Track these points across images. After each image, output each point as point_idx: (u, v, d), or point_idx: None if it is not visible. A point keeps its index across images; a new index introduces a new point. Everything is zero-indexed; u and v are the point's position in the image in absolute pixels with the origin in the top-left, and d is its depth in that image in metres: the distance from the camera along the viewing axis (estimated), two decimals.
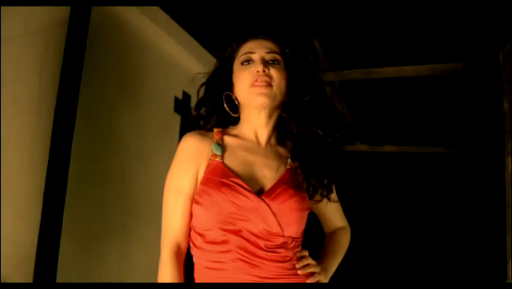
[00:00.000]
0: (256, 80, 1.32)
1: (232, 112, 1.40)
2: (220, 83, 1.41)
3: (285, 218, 1.27)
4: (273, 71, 1.34)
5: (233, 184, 1.27)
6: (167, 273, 1.28)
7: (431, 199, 5.44)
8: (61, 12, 2.66)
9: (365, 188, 5.54)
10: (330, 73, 4.00)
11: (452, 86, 4.13)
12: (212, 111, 1.41)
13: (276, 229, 1.26)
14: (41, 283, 2.30)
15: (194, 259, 1.32)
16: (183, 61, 3.61)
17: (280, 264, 1.27)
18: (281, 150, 1.40)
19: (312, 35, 3.55)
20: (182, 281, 1.31)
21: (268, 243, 1.26)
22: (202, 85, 1.43)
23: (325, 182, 1.36)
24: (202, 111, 1.41)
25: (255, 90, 1.32)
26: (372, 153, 5.64)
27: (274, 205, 1.27)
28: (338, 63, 3.94)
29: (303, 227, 1.33)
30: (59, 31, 2.63)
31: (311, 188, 1.35)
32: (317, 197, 1.37)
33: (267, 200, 1.27)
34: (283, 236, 1.28)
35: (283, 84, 1.35)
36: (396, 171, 5.65)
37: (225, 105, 1.39)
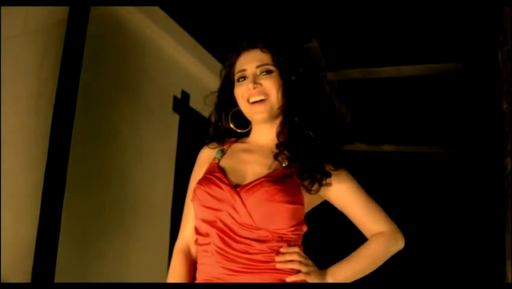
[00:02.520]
0: (250, 97, 1.37)
1: (242, 125, 1.46)
2: (226, 102, 1.46)
3: (257, 209, 1.27)
4: (266, 84, 1.38)
5: (212, 177, 1.33)
6: (174, 271, 1.38)
7: (430, 199, 5.44)
8: (59, 12, 2.65)
9: (364, 187, 5.54)
10: (330, 72, 4.00)
11: (451, 86, 4.13)
12: (225, 129, 1.48)
13: (247, 219, 1.27)
14: (40, 282, 2.29)
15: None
16: (182, 60, 3.61)
17: (250, 256, 1.26)
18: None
19: (312, 34, 3.55)
20: (190, 280, 1.37)
21: (241, 234, 1.27)
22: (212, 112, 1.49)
23: (318, 176, 1.33)
24: (216, 130, 1.48)
25: (253, 109, 1.38)
26: (371, 153, 5.64)
27: (245, 195, 1.28)
28: (337, 63, 3.94)
29: (286, 221, 1.28)
30: (58, 30, 2.63)
31: (306, 182, 1.33)
32: (315, 187, 1.33)
33: (240, 192, 1.29)
34: (257, 228, 1.27)
35: (279, 92, 1.38)
36: (394, 170, 5.65)
37: (231, 125, 1.45)
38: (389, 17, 3.29)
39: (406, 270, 5.18)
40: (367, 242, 1.40)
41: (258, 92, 1.36)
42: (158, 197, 3.32)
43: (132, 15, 3.09)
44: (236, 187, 1.30)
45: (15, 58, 2.69)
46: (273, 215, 1.27)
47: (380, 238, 1.39)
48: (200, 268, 1.33)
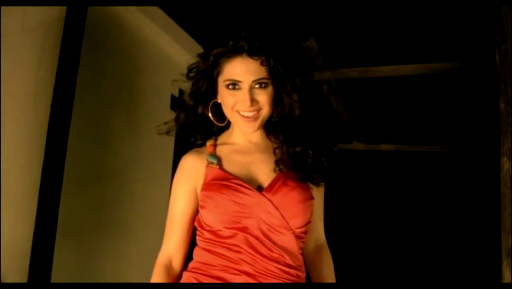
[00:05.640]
0: (243, 111, 1.32)
1: (220, 119, 1.40)
2: (203, 95, 1.40)
3: (288, 211, 1.28)
4: (261, 98, 1.32)
5: (233, 184, 1.29)
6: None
7: (427, 198, 5.45)
8: (57, 9, 2.65)
9: (362, 186, 5.55)
10: (327, 71, 4.00)
11: (449, 85, 4.14)
12: (198, 123, 1.42)
13: (279, 221, 1.27)
14: (36, 282, 2.29)
15: (200, 245, 1.34)
16: (180, 58, 3.60)
17: (282, 267, 1.27)
18: (271, 143, 1.41)
19: (310, 33, 3.55)
20: None
21: (276, 241, 1.27)
22: (189, 97, 1.42)
23: (316, 176, 1.34)
24: (188, 122, 1.42)
25: (243, 122, 1.33)
26: (369, 152, 5.65)
27: (276, 199, 1.28)
28: (335, 62, 3.94)
29: (308, 217, 1.32)
30: (56, 28, 2.62)
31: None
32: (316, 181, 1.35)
33: (268, 195, 1.28)
34: (289, 229, 1.28)
35: (271, 104, 1.34)
36: (392, 170, 5.66)
37: (210, 114, 1.40)
38: (387, 16, 3.29)
39: (403, 268, 5.19)
40: (325, 268, 1.44)
41: (254, 109, 1.32)
42: (155, 196, 3.32)
43: (131, 13, 3.09)
44: (259, 190, 1.29)
45: (13, 55, 2.68)
46: (301, 214, 1.30)
47: (329, 260, 1.46)
48: (214, 255, 1.29)
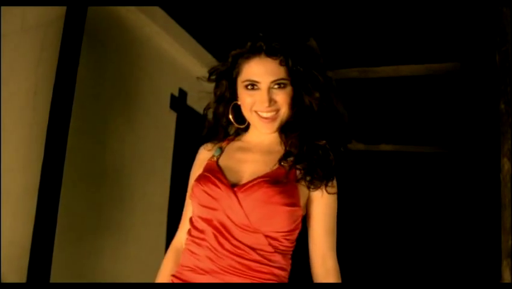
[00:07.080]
0: (261, 112, 1.33)
1: (240, 119, 1.41)
2: (224, 97, 1.41)
3: (254, 211, 1.25)
4: (280, 98, 1.32)
5: (210, 176, 1.32)
6: (164, 266, 1.41)
7: (427, 199, 5.45)
8: (57, 9, 2.65)
9: (361, 187, 5.55)
10: (327, 71, 3.99)
11: (449, 86, 4.14)
12: (219, 125, 1.44)
13: (243, 220, 1.25)
14: (35, 281, 2.29)
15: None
16: (179, 57, 3.60)
17: (243, 261, 1.24)
18: (282, 148, 1.38)
19: (309, 33, 3.54)
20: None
21: (237, 237, 1.25)
22: (213, 106, 1.44)
23: (320, 174, 1.31)
24: (212, 125, 1.44)
25: (262, 123, 1.34)
26: (368, 152, 5.65)
27: (242, 195, 1.26)
28: (335, 62, 3.94)
29: (283, 224, 1.26)
30: (56, 27, 2.62)
31: (308, 182, 1.31)
32: (317, 184, 1.31)
33: (237, 192, 1.27)
34: (254, 230, 1.25)
35: (290, 104, 1.34)
36: (392, 170, 5.66)
37: (230, 116, 1.41)
38: (387, 16, 3.29)
39: (403, 269, 5.19)
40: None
41: (272, 109, 1.32)
42: (154, 195, 3.32)
43: (131, 13, 3.09)
44: (234, 186, 1.28)
45: (12, 54, 2.68)
46: (270, 217, 1.25)
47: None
48: (188, 254, 1.31)
